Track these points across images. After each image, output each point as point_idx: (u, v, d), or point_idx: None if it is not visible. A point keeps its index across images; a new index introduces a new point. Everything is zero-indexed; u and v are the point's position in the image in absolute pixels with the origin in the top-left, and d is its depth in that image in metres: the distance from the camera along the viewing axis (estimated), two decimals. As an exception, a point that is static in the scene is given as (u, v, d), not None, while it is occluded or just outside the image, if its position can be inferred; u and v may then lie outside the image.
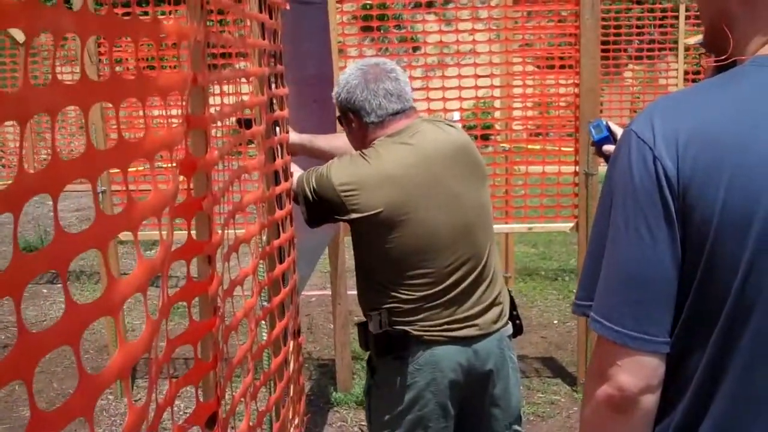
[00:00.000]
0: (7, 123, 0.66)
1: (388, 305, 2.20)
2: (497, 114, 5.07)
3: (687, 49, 8.57)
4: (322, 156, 2.46)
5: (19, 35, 7.42)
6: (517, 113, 5.03)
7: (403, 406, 2.23)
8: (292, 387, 2.11)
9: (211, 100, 1.42)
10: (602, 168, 2.03)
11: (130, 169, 0.91)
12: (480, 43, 4.37)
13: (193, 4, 1.26)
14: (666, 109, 1.15)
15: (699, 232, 1.08)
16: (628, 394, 1.13)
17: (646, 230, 1.10)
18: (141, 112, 0.99)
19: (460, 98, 4.33)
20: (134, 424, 0.90)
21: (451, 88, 4.30)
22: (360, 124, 2.26)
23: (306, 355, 4.73)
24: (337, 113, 2.37)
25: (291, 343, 2.08)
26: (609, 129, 2.14)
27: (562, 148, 5.14)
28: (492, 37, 4.45)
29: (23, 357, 0.67)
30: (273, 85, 1.99)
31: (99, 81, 0.86)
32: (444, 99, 4.32)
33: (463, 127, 3.61)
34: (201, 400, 1.30)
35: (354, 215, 2.16)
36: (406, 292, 2.18)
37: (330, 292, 4.34)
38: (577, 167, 4.04)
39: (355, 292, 2.39)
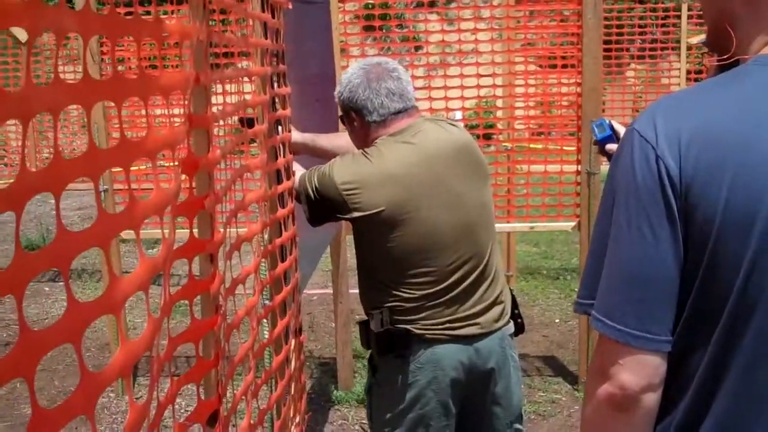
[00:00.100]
0: (9, 122, 0.66)
1: (389, 304, 2.20)
2: (499, 113, 5.07)
3: (689, 48, 8.57)
4: (324, 155, 2.46)
5: (21, 34, 7.42)
6: (519, 112, 5.03)
7: (404, 405, 2.23)
8: (293, 385, 2.11)
9: (213, 99, 1.42)
10: (604, 167, 2.03)
11: (132, 168, 0.91)
12: (482, 42, 4.37)
13: (195, 4, 1.26)
14: (668, 108, 1.15)
15: (701, 231, 1.08)
16: (630, 393, 1.13)
17: (649, 229, 1.10)
18: (143, 111, 0.99)
19: (462, 97, 4.33)
20: (135, 422, 0.90)
21: (453, 88, 4.30)
22: (362, 123, 2.27)
23: (307, 353, 4.74)
24: (340, 112, 2.37)
25: (292, 342, 2.08)
26: (612, 128, 2.15)
27: (564, 148, 5.13)
28: (494, 37, 4.46)
29: (25, 355, 0.67)
30: (275, 85, 1.99)
31: (101, 80, 0.86)
32: (446, 98, 4.31)
33: (465, 126, 3.61)
34: (202, 398, 1.31)
35: (356, 214, 2.16)
36: (407, 290, 2.18)
37: (331, 291, 4.34)
38: (579, 166, 4.04)
39: (357, 291, 2.39)
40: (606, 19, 7.83)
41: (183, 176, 1.20)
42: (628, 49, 9.16)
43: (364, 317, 2.32)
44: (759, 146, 1.07)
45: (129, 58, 5.87)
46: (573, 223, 4.21)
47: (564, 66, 5.33)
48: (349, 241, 4.01)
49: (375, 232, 2.18)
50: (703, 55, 8.98)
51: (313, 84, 3.24)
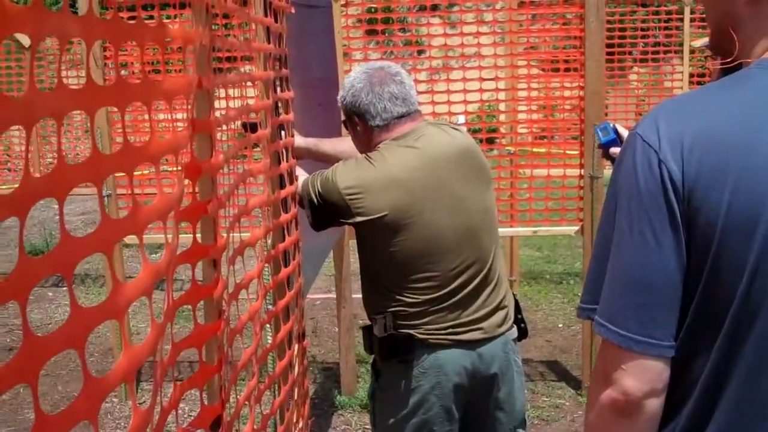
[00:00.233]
0: (13, 127, 0.66)
1: (392, 308, 2.20)
2: (502, 117, 5.07)
3: (692, 51, 8.56)
4: (327, 159, 2.46)
5: (24, 40, 7.43)
6: (522, 116, 5.03)
7: (407, 410, 2.23)
8: (296, 390, 2.10)
9: (216, 104, 1.42)
10: (607, 171, 2.03)
11: (135, 173, 0.91)
12: (485, 46, 4.37)
13: (198, 8, 1.26)
14: (671, 112, 1.15)
15: (704, 235, 1.08)
16: (633, 398, 1.13)
17: (651, 234, 1.10)
18: (146, 116, 0.99)
19: (464, 101, 4.33)
20: (139, 427, 0.90)
21: (455, 91, 4.30)
22: (365, 128, 2.27)
23: (310, 358, 4.73)
24: (342, 116, 2.37)
25: (296, 347, 2.08)
26: (616, 131, 2.14)
27: (567, 151, 5.12)
28: (497, 40, 4.45)
29: (28, 360, 0.67)
30: (278, 89, 1.99)
31: (104, 85, 0.86)
32: (449, 102, 4.31)
33: (468, 130, 3.61)
34: (205, 403, 1.30)
35: (359, 218, 2.16)
36: (410, 295, 2.18)
37: (335, 296, 4.34)
38: (582, 170, 4.04)
39: (360, 296, 2.39)
40: (609, 22, 7.83)
41: (186, 181, 1.20)
42: (630, 53, 9.15)
43: (368, 322, 2.32)
44: (762, 150, 1.07)
45: (132, 63, 5.88)
46: (576, 228, 4.20)
47: (567, 69, 5.33)
48: (352, 245, 4.01)
49: (378, 236, 2.18)
50: (706, 59, 8.98)
51: (316, 88, 3.24)
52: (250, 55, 1.85)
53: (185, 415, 3.80)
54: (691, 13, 8.21)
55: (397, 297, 2.19)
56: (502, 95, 4.72)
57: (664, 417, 1.16)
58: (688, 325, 1.12)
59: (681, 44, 8.55)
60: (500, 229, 2.47)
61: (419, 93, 2.52)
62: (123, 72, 6.11)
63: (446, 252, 2.18)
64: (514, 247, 5.61)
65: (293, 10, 2.23)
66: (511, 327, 2.32)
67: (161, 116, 4.64)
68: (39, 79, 8.21)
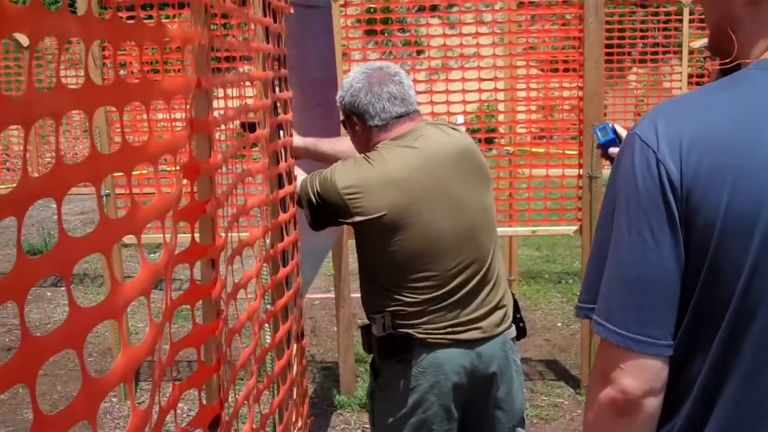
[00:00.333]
0: (11, 126, 0.66)
1: (391, 308, 2.20)
2: (501, 117, 5.07)
3: (691, 52, 8.56)
4: (326, 159, 2.46)
5: (23, 39, 7.43)
6: (520, 116, 5.02)
7: (406, 409, 2.23)
8: (295, 390, 2.10)
9: (215, 104, 1.42)
10: (606, 171, 2.03)
11: (133, 173, 0.91)
12: (484, 46, 4.37)
13: (197, 8, 1.26)
14: (669, 112, 1.15)
15: (702, 235, 1.08)
16: (631, 398, 1.13)
17: (649, 233, 1.10)
18: (145, 116, 0.99)
19: (463, 101, 4.33)
20: (137, 427, 0.90)
21: (454, 92, 4.30)
22: (364, 128, 2.27)
23: (309, 358, 4.73)
24: (341, 116, 2.37)
25: (294, 346, 2.08)
26: (615, 132, 2.15)
27: (566, 151, 5.12)
28: (496, 41, 4.45)
29: (27, 360, 0.67)
30: (277, 89, 1.99)
31: (103, 85, 0.86)
32: (448, 102, 4.32)
33: (467, 130, 3.61)
34: (204, 403, 1.30)
35: (357, 218, 2.16)
36: (409, 295, 2.18)
37: (333, 295, 4.34)
38: (581, 170, 4.04)
39: (359, 295, 2.39)
40: (608, 22, 7.83)
41: (184, 181, 1.20)
42: (629, 53, 9.15)
43: (366, 321, 2.32)
44: (760, 150, 1.07)
45: (131, 63, 5.88)
46: (575, 227, 4.21)
47: (566, 70, 5.33)
48: (351, 245, 4.01)
49: (377, 236, 2.18)
50: (705, 59, 8.98)
51: (315, 88, 3.24)
52: (249, 55, 1.85)
53: (184, 415, 3.80)
54: (690, 13, 8.21)
55: (396, 296, 2.19)
56: (501, 95, 4.72)
57: (662, 416, 1.16)
58: (687, 325, 1.12)
59: (680, 45, 8.55)
60: (499, 229, 2.47)
61: (418, 93, 2.52)
62: (122, 72, 6.11)
63: (445, 252, 2.18)
64: (513, 247, 5.62)
65: (292, 10, 2.23)
66: (510, 326, 2.32)
67: (160, 116, 4.64)
68: (38, 78, 8.21)
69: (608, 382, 1.15)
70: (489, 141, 5.11)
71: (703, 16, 1.33)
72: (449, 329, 2.20)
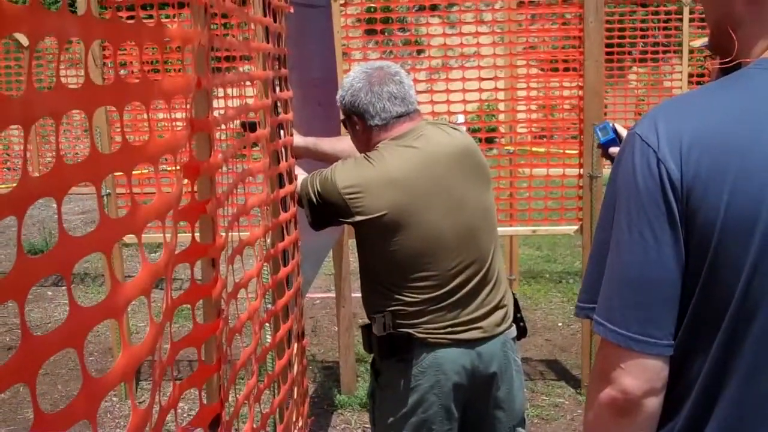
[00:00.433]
0: (12, 126, 0.66)
1: (392, 308, 2.20)
2: (501, 117, 5.07)
3: (691, 51, 8.56)
4: (326, 159, 2.46)
5: (23, 39, 7.42)
6: (521, 116, 5.03)
7: (407, 409, 2.23)
8: (295, 389, 2.11)
9: (215, 104, 1.42)
10: (606, 170, 2.03)
11: (134, 173, 0.91)
12: (484, 45, 4.37)
13: (196, 8, 1.26)
14: (670, 111, 1.15)
15: (702, 234, 1.08)
16: (632, 397, 1.13)
17: (650, 233, 1.10)
18: (145, 116, 0.99)
19: (464, 101, 4.33)
20: (138, 427, 0.90)
21: (455, 91, 4.30)
22: (364, 127, 2.27)
23: (310, 357, 4.73)
24: (342, 116, 2.37)
25: (295, 346, 2.08)
26: (615, 131, 2.15)
27: (567, 151, 5.13)
28: (496, 40, 4.45)
29: (27, 359, 0.67)
30: (277, 88, 1.99)
31: (103, 85, 0.86)
32: (448, 102, 4.32)
33: (468, 129, 3.61)
34: (204, 402, 1.30)
35: (358, 218, 2.16)
36: (410, 294, 2.18)
37: (334, 295, 4.34)
38: (582, 170, 4.04)
39: (360, 295, 2.39)
40: (608, 22, 7.83)
41: (185, 180, 1.20)
42: (629, 52, 9.15)
43: (367, 321, 2.32)
44: (761, 149, 1.07)
45: (131, 63, 5.88)
46: (575, 227, 4.21)
47: (566, 69, 5.33)
48: (351, 245, 4.01)
49: (377, 236, 2.18)
50: (705, 59, 8.98)
51: (315, 88, 3.24)
52: (249, 54, 1.85)
53: (184, 414, 3.80)
54: (691, 13, 8.21)
55: (396, 296, 2.19)
56: (501, 95, 4.72)
57: (662, 416, 1.16)
58: (687, 324, 1.12)
59: (680, 44, 8.56)
60: (500, 229, 2.47)
61: (418, 93, 2.52)
62: (122, 72, 6.12)
63: (445, 251, 2.18)
64: (514, 246, 5.62)
65: (292, 10, 2.23)
66: (511, 326, 2.32)
67: (160, 116, 4.64)
68: (38, 78, 8.21)
69: (609, 381, 1.15)
70: (489, 140, 5.11)
71: (703, 16, 1.32)
72: (449, 329, 2.20)
